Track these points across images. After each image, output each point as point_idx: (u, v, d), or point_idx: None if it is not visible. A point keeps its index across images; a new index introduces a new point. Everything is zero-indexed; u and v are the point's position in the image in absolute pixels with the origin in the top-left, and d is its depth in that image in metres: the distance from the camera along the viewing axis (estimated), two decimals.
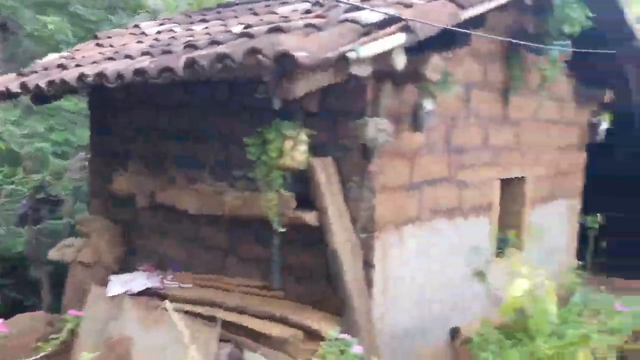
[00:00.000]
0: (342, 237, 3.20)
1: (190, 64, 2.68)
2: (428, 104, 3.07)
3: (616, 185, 10.98)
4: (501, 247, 4.52)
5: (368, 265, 3.33)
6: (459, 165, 3.95)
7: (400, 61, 2.27)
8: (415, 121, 3.12)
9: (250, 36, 2.80)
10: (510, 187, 4.75)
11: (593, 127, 5.34)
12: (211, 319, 3.52)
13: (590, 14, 3.82)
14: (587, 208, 5.64)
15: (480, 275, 3.45)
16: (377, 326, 3.36)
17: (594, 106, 5.45)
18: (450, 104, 3.75)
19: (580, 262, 4.24)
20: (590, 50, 4.10)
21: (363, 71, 2.29)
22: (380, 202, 3.30)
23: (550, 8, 3.78)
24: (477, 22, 3.51)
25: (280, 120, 2.77)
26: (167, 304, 3.82)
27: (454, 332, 3.96)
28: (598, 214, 5.56)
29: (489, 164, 4.25)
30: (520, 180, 4.71)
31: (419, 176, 3.62)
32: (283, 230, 3.04)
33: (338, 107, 3.29)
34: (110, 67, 3.45)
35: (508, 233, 4.80)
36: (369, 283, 3.32)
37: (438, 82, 3.05)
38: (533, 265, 4.85)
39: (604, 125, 5.30)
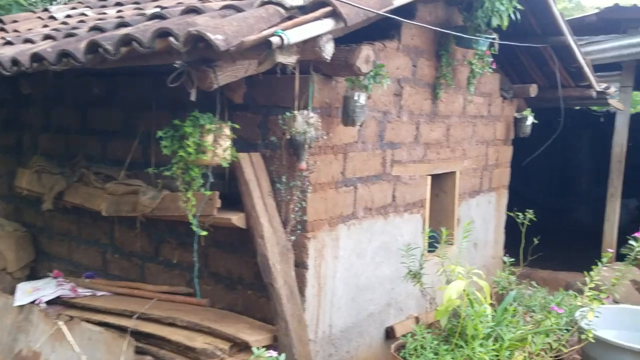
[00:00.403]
0: (272, 239, 3.00)
1: (93, 48, 2.37)
2: (360, 97, 2.93)
3: (544, 178, 11.48)
4: (433, 243, 4.50)
5: (301, 267, 3.16)
6: (392, 162, 3.86)
7: (328, 49, 2.10)
8: (348, 115, 2.97)
9: (163, 18, 2.53)
10: (441, 182, 4.75)
11: (519, 121, 5.45)
12: (128, 331, 3.22)
13: (519, 7, 3.84)
14: (516, 201, 5.80)
15: (413, 275, 3.36)
16: (312, 329, 3.20)
17: (520, 101, 5.58)
18: (382, 99, 3.64)
19: (507, 256, 4.25)
20: (517, 44, 4.13)
21: (289, 59, 2.09)
22: (313, 200, 3.13)
23: (479, 1, 3.75)
24: (407, 13, 3.41)
25: (199, 112, 2.52)
26: (79, 314, 3.48)
27: (390, 332, 3.87)
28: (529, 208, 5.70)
29: (421, 160, 4.20)
30: (450, 175, 4.71)
31: (352, 172, 3.48)
32: (204, 233, 2.79)
33: (265, 100, 3.08)
34: (6, 53, 3.04)
35: (439, 229, 4.82)
36: (302, 286, 3.15)
37: (369, 74, 2.92)
38: (463, 260, 4.91)
39: (530, 120, 5.42)
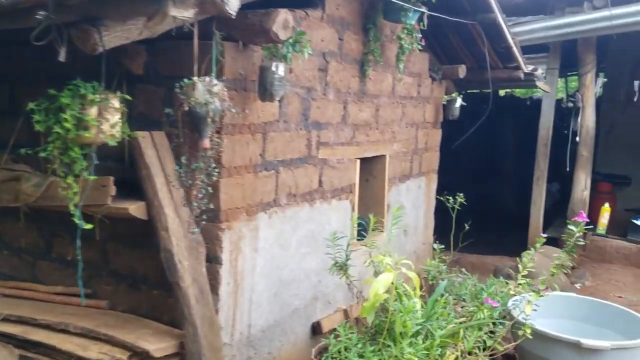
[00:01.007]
0: (178, 231, 2.60)
1: None
2: (279, 69, 2.58)
3: (470, 164, 11.62)
4: (362, 230, 4.26)
5: (214, 262, 2.79)
6: (318, 143, 3.55)
7: (233, 3, 1.73)
8: (265, 88, 2.62)
9: None
10: (370, 166, 4.52)
11: (448, 104, 5.31)
12: (12, 338, 2.75)
13: None
14: (442, 187, 5.70)
15: (339, 267, 3.07)
16: (227, 332, 2.85)
17: (448, 83, 5.44)
18: (306, 73, 3.31)
19: (437, 242, 4.09)
20: (446, 17, 3.93)
21: (185, 13, 1.70)
22: (227, 185, 2.76)
23: None
24: None
25: (80, 80, 2.07)
26: None
27: (316, 327, 3.59)
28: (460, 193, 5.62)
29: (349, 142, 3.92)
30: (380, 158, 4.48)
31: (274, 155, 3.14)
32: (88, 226, 2.35)
33: (170, 70, 2.66)
34: None
35: (368, 215, 4.59)
36: (215, 283, 2.78)
37: (289, 42, 2.57)
38: (393, 247, 4.71)
39: (459, 102, 5.29)
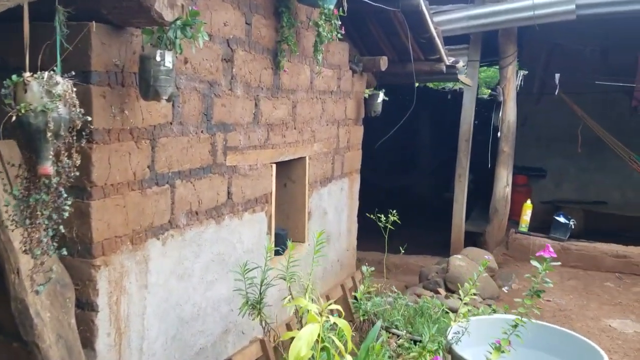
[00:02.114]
0: (35, 272, 1.94)
1: None
2: (165, 58, 1.98)
3: (388, 156, 11.45)
4: (281, 244, 3.75)
5: (87, 309, 2.15)
6: (225, 148, 2.98)
7: None
8: (147, 84, 2.01)
9: None
10: (288, 170, 4.02)
11: (370, 99, 4.91)
12: None
13: None
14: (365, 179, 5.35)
15: (251, 306, 2.54)
16: None
17: (369, 76, 5.04)
18: (206, 65, 2.73)
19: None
20: (368, 0, 3.48)
21: None
22: (101, 210, 2.13)
23: None
24: None
25: None
26: None
27: None
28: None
29: (263, 145, 3.38)
30: (299, 161, 3.99)
31: (167, 166, 2.53)
32: None
33: (14, 61, 1.98)
34: None
35: (288, 226, 4.09)
36: (90, 336, 2.15)
37: (177, 25, 1.98)
38: (316, 259, 4.24)
39: (381, 97, 4.91)
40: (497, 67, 6.66)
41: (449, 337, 2.61)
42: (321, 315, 1.91)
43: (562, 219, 5.55)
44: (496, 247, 5.87)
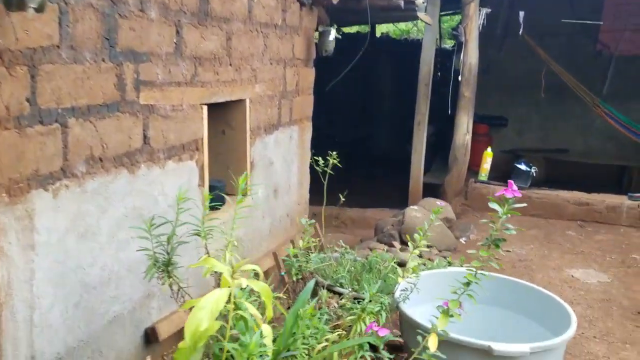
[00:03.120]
0: None
1: None
2: None
3: (347, 108, 11.00)
4: (217, 197, 3.34)
5: None
6: (138, 83, 2.50)
7: None
8: None
9: None
10: (226, 114, 3.56)
11: (321, 37, 4.44)
12: None
13: None
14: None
15: (159, 268, 2.13)
16: None
17: (320, 12, 4.55)
18: None
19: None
20: None
21: None
22: None
23: None
24: None
25: None
26: None
27: (150, 334, 2.66)
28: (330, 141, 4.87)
29: (190, 82, 2.90)
30: (238, 104, 3.53)
31: (56, 100, 2.05)
32: None
33: None
34: None
35: (228, 176, 3.66)
36: None
37: None
38: (261, 214, 3.86)
39: (333, 34, 4.44)
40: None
41: (397, 294, 2.29)
42: (233, 279, 1.53)
43: (523, 167, 5.31)
44: (455, 197, 5.61)
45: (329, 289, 2.63)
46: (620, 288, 3.80)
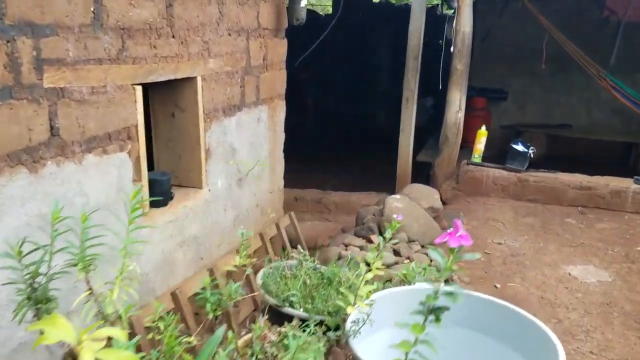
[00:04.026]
0: None
1: None
2: None
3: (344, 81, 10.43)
4: (161, 192, 2.91)
5: None
6: (39, 61, 2.04)
7: None
8: None
9: None
10: (173, 94, 3.11)
11: (291, 3, 3.93)
12: None
13: None
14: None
15: (31, 302, 1.69)
16: None
17: None
18: None
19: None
20: None
21: None
22: None
23: None
24: None
25: None
26: None
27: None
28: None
29: (115, 59, 2.43)
30: (186, 83, 3.06)
31: None
32: None
33: None
34: None
35: (180, 168, 3.23)
36: None
37: None
38: (222, 206, 3.43)
39: (304, 1, 3.93)
40: None
41: (347, 326, 1.87)
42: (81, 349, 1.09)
43: (519, 147, 4.84)
44: (446, 180, 5.16)
45: (276, 311, 2.22)
46: (623, 289, 3.38)
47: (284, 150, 4.38)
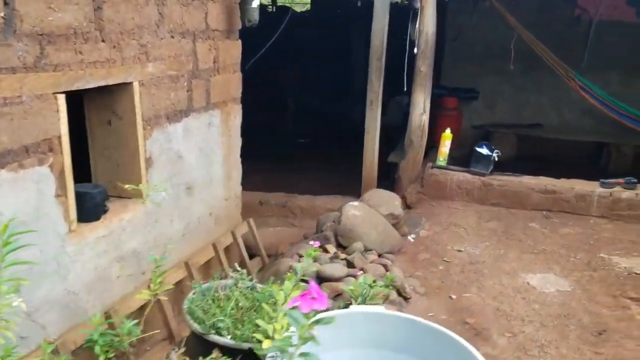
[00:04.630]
0: None
1: None
2: None
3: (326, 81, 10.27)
4: (93, 205, 2.75)
5: None
6: None
7: None
8: None
9: None
10: (111, 101, 2.94)
11: (242, 2, 3.77)
12: None
13: None
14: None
15: None
16: None
17: None
18: None
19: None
20: None
21: None
22: None
23: None
24: None
25: None
26: None
27: None
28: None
29: (30, 67, 2.26)
30: (122, 88, 2.90)
31: None
32: None
33: None
34: None
35: (119, 178, 3.06)
36: None
37: None
38: (169, 216, 3.28)
39: (256, 1, 3.77)
40: None
41: None
42: None
43: (484, 150, 4.74)
44: (411, 184, 5.04)
45: (202, 339, 2.06)
46: (582, 299, 3.29)
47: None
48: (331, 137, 9.23)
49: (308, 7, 14.32)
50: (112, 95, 2.93)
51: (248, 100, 4.24)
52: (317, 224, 4.32)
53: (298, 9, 14.06)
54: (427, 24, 4.77)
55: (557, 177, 4.93)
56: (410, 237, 4.13)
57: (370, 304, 2.73)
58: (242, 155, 4.21)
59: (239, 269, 2.44)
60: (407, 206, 5.00)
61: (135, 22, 2.87)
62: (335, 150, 8.21)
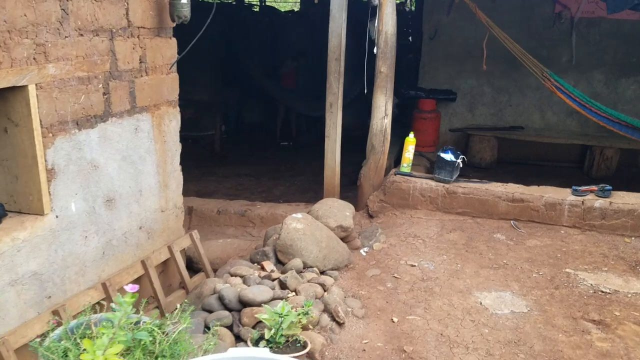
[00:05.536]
0: None
1: None
2: None
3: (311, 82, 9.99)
4: None
5: None
6: None
7: None
8: None
9: None
10: (5, 107, 2.65)
11: None
12: None
13: None
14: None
15: None
16: None
17: None
18: None
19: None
20: None
21: None
22: None
23: None
24: None
25: None
26: None
27: None
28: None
29: None
30: (16, 93, 2.60)
31: None
32: None
33: None
34: None
35: (17, 191, 2.77)
36: None
37: None
38: (86, 232, 2.97)
39: None
40: None
41: None
42: None
43: (448, 156, 4.41)
44: (374, 191, 4.72)
45: None
46: (538, 321, 2.96)
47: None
48: (315, 140, 8.98)
49: (295, 7, 14.07)
50: (7, 100, 2.64)
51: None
52: (265, 236, 4.01)
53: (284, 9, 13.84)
54: (386, 22, 4.46)
55: (538, 182, 4.61)
56: (363, 251, 3.81)
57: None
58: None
59: (122, 299, 2.11)
60: (369, 215, 4.69)
61: (27, 19, 2.57)
62: (318, 154, 7.94)
